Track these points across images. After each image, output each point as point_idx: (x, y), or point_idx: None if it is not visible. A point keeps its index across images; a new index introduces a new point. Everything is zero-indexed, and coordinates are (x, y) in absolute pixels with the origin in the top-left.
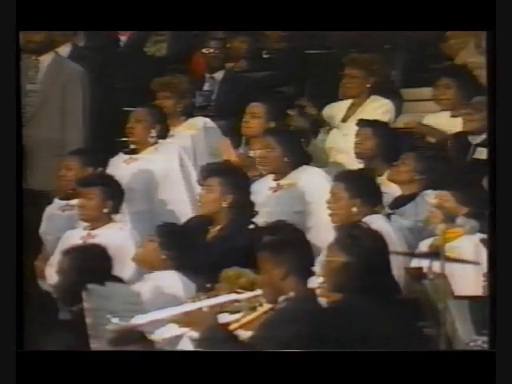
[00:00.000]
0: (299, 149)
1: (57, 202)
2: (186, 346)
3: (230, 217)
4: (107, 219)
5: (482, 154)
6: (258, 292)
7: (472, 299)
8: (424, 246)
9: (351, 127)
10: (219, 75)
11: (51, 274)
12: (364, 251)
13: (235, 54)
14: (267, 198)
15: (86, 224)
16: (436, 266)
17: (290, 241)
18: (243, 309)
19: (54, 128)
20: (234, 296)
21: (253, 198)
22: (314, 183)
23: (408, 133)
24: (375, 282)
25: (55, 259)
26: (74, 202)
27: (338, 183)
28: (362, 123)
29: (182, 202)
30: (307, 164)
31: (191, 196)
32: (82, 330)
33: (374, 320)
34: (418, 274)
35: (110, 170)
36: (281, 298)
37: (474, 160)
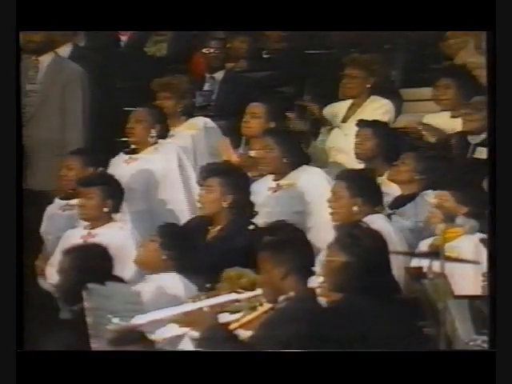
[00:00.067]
0: (299, 149)
1: (57, 202)
2: (187, 345)
3: (230, 217)
4: (107, 218)
5: (481, 153)
6: (258, 292)
7: (472, 299)
8: (424, 245)
9: (351, 127)
10: (219, 75)
11: (52, 274)
12: (364, 251)
13: (235, 54)
14: (267, 199)
15: (86, 223)
16: (436, 265)
17: (290, 240)
18: (243, 308)
19: (54, 128)
20: (234, 296)
21: (253, 198)
22: (313, 183)
23: (408, 133)
24: (375, 282)
25: (56, 259)
26: (75, 201)
27: (339, 182)
28: (362, 124)
29: (181, 201)
30: (307, 164)
31: (190, 196)
32: (83, 330)
33: (374, 320)
34: (417, 274)
35: (110, 170)
36: (281, 298)
37: (473, 160)
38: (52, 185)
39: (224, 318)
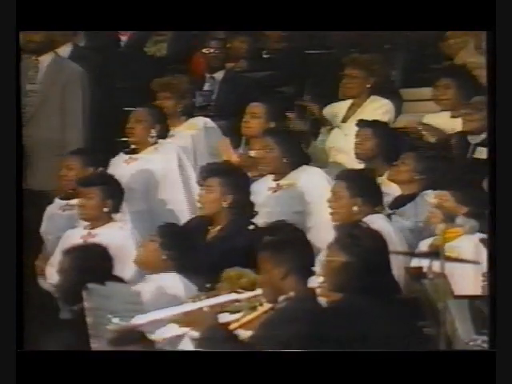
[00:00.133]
0: (299, 149)
1: (57, 202)
2: (187, 345)
3: (229, 217)
4: (107, 218)
5: (481, 153)
6: (258, 292)
7: (472, 299)
8: (424, 245)
9: (351, 127)
10: (219, 75)
11: (52, 274)
12: (364, 251)
13: (235, 54)
14: (267, 199)
15: (86, 223)
16: (436, 265)
17: (290, 240)
18: (243, 308)
19: (54, 128)
20: (234, 296)
21: (252, 198)
22: (313, 183)
23: (408, 133)
24: (375, 282)
25: (56, 259)
26: (75, 201)
27: (339, 182)
28: (362, 124)
29: (180, 202)
30: (307, 164)
31: (190, 196)
32: (83, 330)
33: (374, 319)
34: (417, 274)
35: (110, 170)
36: (281, 298)
37: (473, 160)
38: (52, 185)
39: (224, 318)
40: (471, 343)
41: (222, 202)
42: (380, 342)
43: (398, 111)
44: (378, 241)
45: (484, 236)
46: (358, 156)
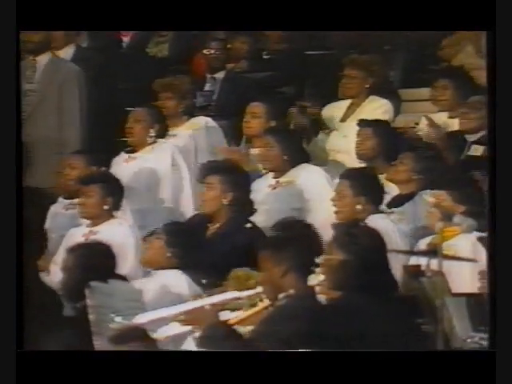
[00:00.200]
0: (298, 147)
1: (61, 201)
2: (189, 343)
3: (229, 214)
4: (108, 216)
5: (477, 151)
6: (259, 289)
7: (469, 296)
8: (422, 244)
9: (350, 127)
10: (220, 76)
11: (55, 272)
12: (361, 249)
13: (236, 54)
14: (266, 196)
15: (88, 221)
16: (434, 263)
17: (294, 238)
18: (244, 306)
19: (52, 127)
20: (235, 294)
21: (252, 195)
22: (312, 181)
23: (407, 132)
24: (373, 280)
25: (59, 257)
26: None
27: (343, 181)
28: (363, 123)
29: (176, 200)
30: (306, 162)
31: (184, 196)
32: (86, 327)
33: (373, 317)
34: (416, 272)
35: (112, 170)
36: (281, 295)
37: (469, 157)
38: (50, 183)
39: (225, 315)
40: (469, 340)
41: (222, 200)
42: (378, 339)
43: (397, 111)
44: (375, 239)
45: (481, 234)
46: (359, 155)
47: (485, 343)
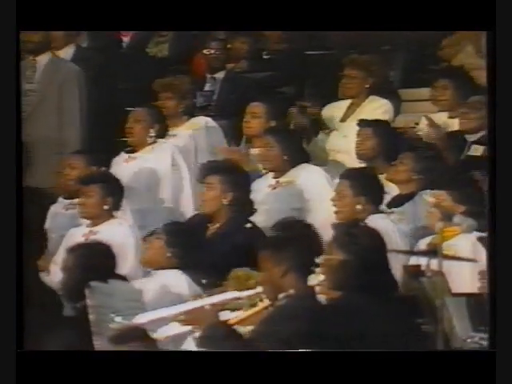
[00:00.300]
0: (298, 147)
1: (61, 201)
2: (189, 343)
3: (229, 214)
4: (108, 216)
5: (477, 151)
6: (259, 289)
7: (469, 296)
8: (422, 244)
9: (350, 127)
10: (220, 76)
11: (55, 272)
12: (362, 249)
13: (236, 54)
14: (266, 196)
15: (88, 221)
16: (434, 263)
17: (294, 238)
18: (244, 306)
19: (52, 127)
20: (235, 294)
21: (252, 195)
22: (312, 181)
23: (407, 132)
24: (373, 280)
25: (59, 257)
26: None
27: (343, 181)
28: (363, 123)
29: (176, 200)
30: (306, 162)
31: (183, 195)
32: (86, 327)
33: (373, 317)
34: (415, 272)
35: (112, 169)
36: (281, 295)
37: (469, 157)
38: (49, 182)
39: (225, 315)
40: (469, 340)
41: (222, 200)
42: (378, 339)
43: (397, 111)
44: (375, 239)
45: (481, 234)
46: (359, 155)
47: (485, 343)
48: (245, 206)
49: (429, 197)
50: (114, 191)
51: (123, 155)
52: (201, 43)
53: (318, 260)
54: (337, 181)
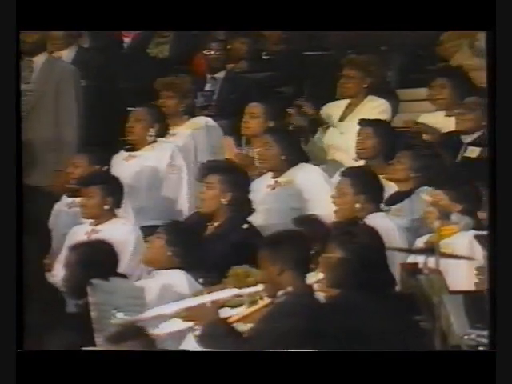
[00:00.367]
0: (297, 147)
1: (64, 199)
2: (189, 340)
3: (227, 214)
4: (109, 215)
5: (473, 152)
6: (259, 287)
7: (466, 294)
8: (420, 242)
9: (348, 126)
10: (220, 76)
11: (58, 269)
12: (360, 247)
13: (236, 55)
14: (265, 196)
15: (90, 220)
16: (431, 261)
17: (289, 238)
18: (245, 303)
19: (49, 126)
20: (235, 291)
21: (251, 195)
22: (311, 181)
23: (405, 132)
24: (371, 278)
25: (62, 254)
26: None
27: (344, 179)
28: (364, 122)
29: (176, 199)
30: (305, 162)
31: (185, 194)
32: (88, 324)
33: (371, 314)
34: (413, 270)
35: (113, 168)
36: (280, 293)
37: (465, 158)
38: (47, 181)
39: (225, 312)
40: (466, 337)
41: (221, 199)
42: (376, 336)
43: (395, 111)
44: (374, 237)
45: (478, 232)
46: (359, 155)
47: (482, 340)
48: (244, 206)
49: (426, 195)
50: (114, 191)
51: (123, 154)
52: (201, 44)
53: (315, 257)
54: (335, 179)
